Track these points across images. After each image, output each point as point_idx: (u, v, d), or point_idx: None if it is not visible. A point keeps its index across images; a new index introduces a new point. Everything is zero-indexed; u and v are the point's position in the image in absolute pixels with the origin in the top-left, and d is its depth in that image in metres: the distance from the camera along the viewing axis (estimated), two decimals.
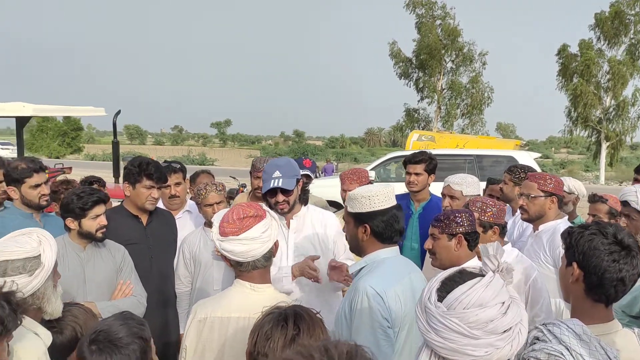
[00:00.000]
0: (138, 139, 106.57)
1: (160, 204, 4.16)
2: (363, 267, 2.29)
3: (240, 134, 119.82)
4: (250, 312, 1.97)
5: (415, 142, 14.44)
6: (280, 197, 3.07)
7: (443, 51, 33.83)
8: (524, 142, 16.26)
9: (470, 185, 3.75)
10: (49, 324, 2.06)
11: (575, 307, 1.86)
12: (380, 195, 2.27)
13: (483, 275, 1.34)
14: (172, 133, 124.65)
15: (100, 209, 3.02)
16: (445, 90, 34.73)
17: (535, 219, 3.41)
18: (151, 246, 3.47)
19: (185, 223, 4.08)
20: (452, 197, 3.77)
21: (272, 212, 2.17)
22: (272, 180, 3.04)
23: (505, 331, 1.27)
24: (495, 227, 2.95)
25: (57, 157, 47.87)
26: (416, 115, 35.72)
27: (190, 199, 4.26)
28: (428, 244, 2.73)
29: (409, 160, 4.20)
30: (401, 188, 4.38)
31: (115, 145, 7.79)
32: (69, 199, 2.98)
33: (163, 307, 3.51)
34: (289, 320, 1.59)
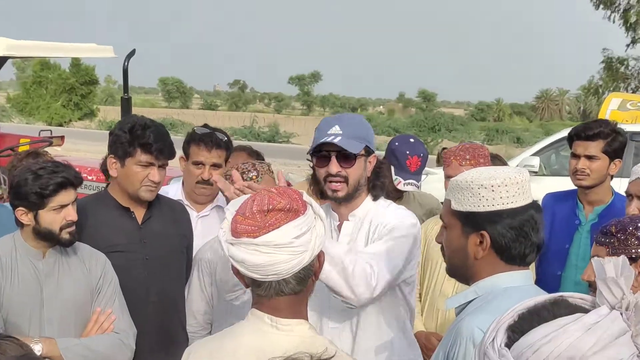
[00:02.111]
0: (179, 99, 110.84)
1: (177, 191, 4.33)
2: (472, 301, 2.26)
3: (333, 96, 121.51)
4: None
5: (614, 111, 13.85)
6: (334, 167, 3.05)
7: None
8: None
9: None
10: None
11: None
12: (510, 185, 2.22)
13: (585, 311, 1.27)
14: (231, 92, 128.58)
15: (67, 195, 3.12)
16: None
17: None
18: (148, 257, 3.55)
19: (212, 224, 4.17)
20: None
21: (317, 206, 2.13)
22: (326, 137, 3.04)
23: None
24: None
25: (61, 124, 50.66)
26: (623, 68, 34.35)
27: None
28: (589, 273, 2.66)
29: (576, 135, 4.07)
30: None
31: (125, 103, 8.02)
32: (22, 180, 3.09)
33: (164, 354, 3.58)
34: None
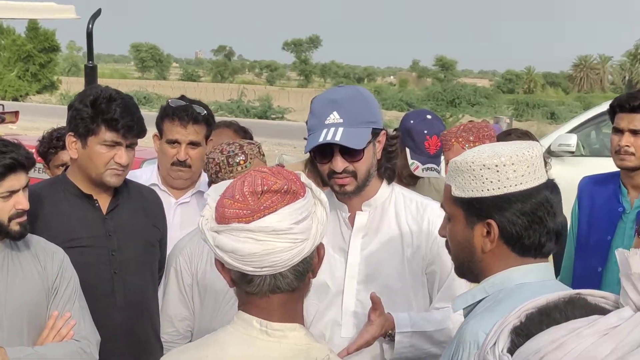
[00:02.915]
0: (155, 69, 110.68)
1: (150, 175, 4.33)
2: (481, 301, 2.23)
3: (335, 64, 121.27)
4: None
5: None
6: (340, 163, 3.01)
7: None
8: None
9: None
10: None
11: None
12: (518, 164, 2.18)
13: (606, 312, 1.21)
14: (215, 60, 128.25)
15: (17, 180, 3.07)
16: None
17: None
18: (115, 251, 3.52)
19: (193, 213, 4.16)
20: None
21: (317, 189, 2.10)
22: (324, 130, 2.98)
23: None
24: None
25: (16, 98, 50.42)
26: None
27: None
28: None
29: (619, 106, 4.02)
30: None
31: (90, 71, 8.00)
32: None
33: None
34: None
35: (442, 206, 2.38)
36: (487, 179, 2.18)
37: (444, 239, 2.36)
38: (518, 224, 2.17)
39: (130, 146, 3.45)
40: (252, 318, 2.04)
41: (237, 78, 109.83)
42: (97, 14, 8.08)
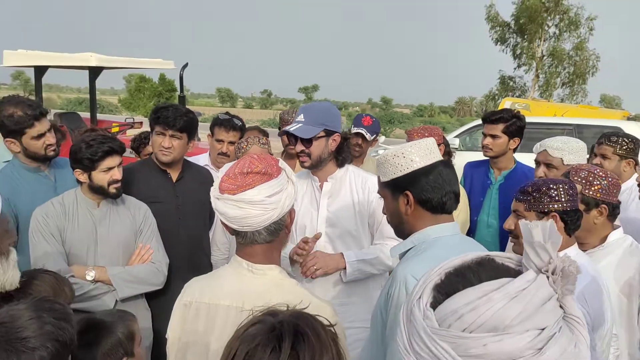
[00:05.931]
0: (229, 102, 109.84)
1: (205, 160, 3.91)
2: (409, 250, 1.80)
3: (327, 100, 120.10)
4: (243, 300, 1.59)
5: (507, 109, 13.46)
6: (299, 146, 2.66)
7: (545, 14, 31.36)
8: (633, 115, 14.65)
9: (574, 152, 3.04)
10: (8, 295, 1.68)
11: None
12: (417, 150, 1.80)
13: (515, 275, 0.86)
14: (262, 97, 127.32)
15: (113, 160, 2.65)
16: (545, 58, 32.36)
17: None
18: (180, 206, 3.08)
19: None
20: (548, 165, 3.09)
21: (290, 171, 1.70)
22: (292, 125, 2.63)
23: None
24: (603, 205, 2.28)
25: None
26: (511, 83, 33.83)
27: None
28: (509, 223, 2.19)
29: (485, 119, 3.55)
30: None
31: (181, 100, 7.59)
32: (77, 148, 2.62)
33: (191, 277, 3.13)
34: (283, 342, 1.05)
35: (378, 192, 1.93)
36: (399, 164, 1.79)
37: (380, 200, 1.93)
38: (427, 190, 1.77)
39: (174, 136, 2.98)
40: (242, 260, 1.65)
41: (274, 107, 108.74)
42: (186, 65, 7.68)
